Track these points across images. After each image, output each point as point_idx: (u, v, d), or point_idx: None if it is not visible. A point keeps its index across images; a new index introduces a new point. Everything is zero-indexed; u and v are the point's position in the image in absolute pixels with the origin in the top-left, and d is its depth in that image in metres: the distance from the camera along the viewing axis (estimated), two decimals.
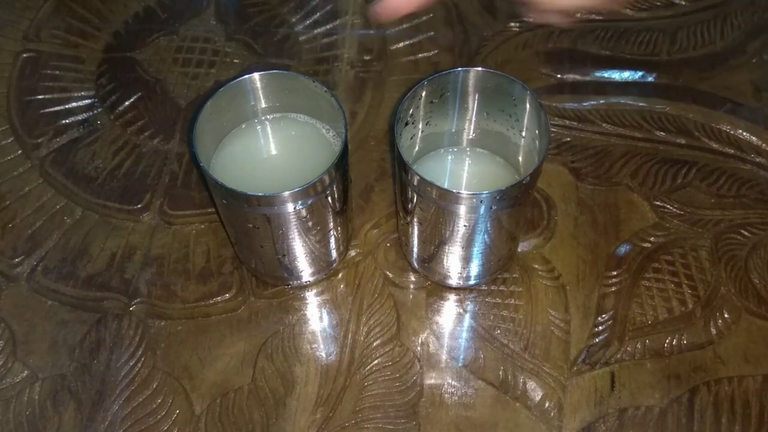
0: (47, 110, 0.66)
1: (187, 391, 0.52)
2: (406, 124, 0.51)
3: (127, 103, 0.67)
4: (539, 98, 0.49)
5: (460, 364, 0.53)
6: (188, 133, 0.64)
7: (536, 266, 0.57)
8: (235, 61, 0.69)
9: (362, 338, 0.54)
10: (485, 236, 0.49)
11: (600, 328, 0.54)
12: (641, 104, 0.65)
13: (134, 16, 0.73)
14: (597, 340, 0.53)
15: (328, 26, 0.71)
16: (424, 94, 0.51)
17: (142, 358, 0.53)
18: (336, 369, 0.53)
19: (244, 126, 0.54)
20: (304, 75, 0.51)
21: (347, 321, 0.55)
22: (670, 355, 0.53)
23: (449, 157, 0.55)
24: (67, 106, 0.67)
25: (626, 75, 0.67)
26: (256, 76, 0.51)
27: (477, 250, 0.51)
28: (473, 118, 0.54)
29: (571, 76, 0.67)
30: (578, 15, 0.71)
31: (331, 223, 0.51)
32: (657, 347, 0.53)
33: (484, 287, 0.56)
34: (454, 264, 0.53)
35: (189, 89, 0.67)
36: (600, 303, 0.55)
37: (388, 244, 0.58)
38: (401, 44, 0.70)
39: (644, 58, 0.68)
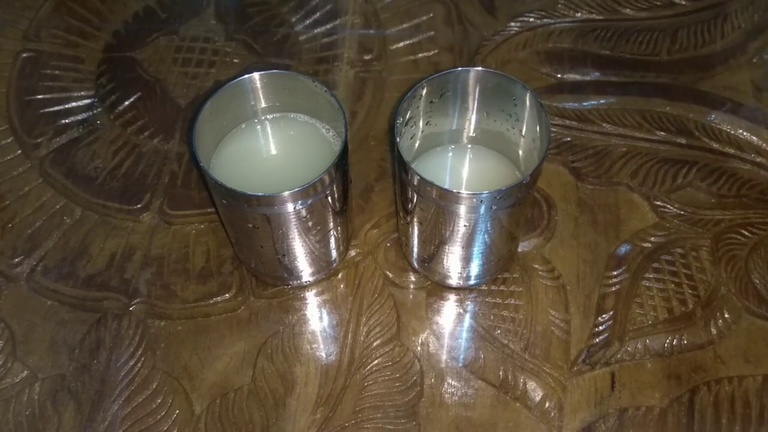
0: (47, 110, 0.66)
1: (187, 391, 0.52)
2: (406, 124, 0.51)
3: (126, 102, 0.67)
4: (539, 98, 0.49)
5: (460, 364, 0.53)
6: (188, 133, 0.64)
7: (536, 266, 0.57)
8: (235, 61, 0.69)
9: (362, 338, 0.54)
10: (485, 236, 0.49)
11: (600, 328, 0.54)
12: (641, 104, 0.65)
13: (134, 16, 0.73)
14: (597, 340, 0.53)
15: (328, 26, 0.71)
16: (424, 94, 0.51)
17: (142, 358, 0.53)
18: (336, 369, 0.53)
19: (244, 126, 0.54)
20: (304, 75, 0.51)
21: (347, 321, 0.55)
22: (671, 355, 0.53)
23: (449, 154, 0.55)
24: (66, 106, 0.67)
25: (626, 75, 0.67)
26: (256, 75, 0.51)
27: (477, 250, 0.51)
28: (473, 118, 0.54)
29: (571, 76, 0.67)
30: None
31: (331, 223, 0.51)
32: (657, 347, 0.53)
33: (484, 287, 0.56)
34: (454, 264, 0.53)
35: (189, 89, 0.67)
36: (600, 303, 0.55)
37: (388, 244, 0.58)
38: (401, 44, 0.70)
39: (644, 58, 0.68)
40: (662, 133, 0.63)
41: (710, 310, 0.54)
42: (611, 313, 0.54)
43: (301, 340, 0.54)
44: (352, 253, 0.58)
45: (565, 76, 0.67)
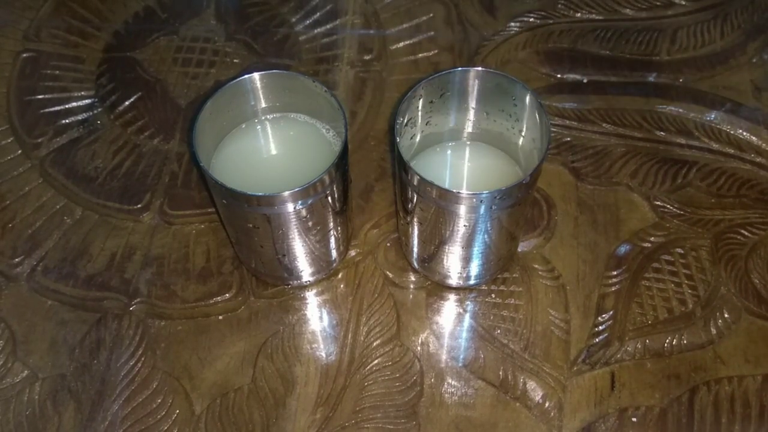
0: (47, 110, 0.66)
1: (187, 391, 0.52)
2: (406, 124, 0.51)
3: (127, 103, 0.67)
4: (539, 98, 0.49)
5: (460, 364, 0.53)
6: (188, 133, 0.64)
7: (536, 266, 0.57)
8: (235, 61, 0.69)
9: (362, 338, 0.54)
10: (485, 236, 0.49)
11: (600, 328, 0.54)
12: (641, 104, 0.65)
13: (134, 16, 0.73)
14: (597, 340, 0.53)
15: (328, 26, 0.71)
16: (424, 94, 0.51)
17: (142, 358, 0.53)
18: (336, 369, 0.53)
19: (244, 126, 0.54)
20: (304, 75, 0.51)
21: (347, 321, 0.55)
22: (670, 355, 0.53)
23: (449, 152, 0.55)
24: (67, 106, 0.67)
25: (626, 75, 0.67)
26: (256, 76, 0.51)
27: (477, 250, 0.51)
28: (473, 118, 0.54)
29: (571, 76, 0.67)
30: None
31: (331, 223, 0.51)
32: (657, 347, 0.53)
33: (484, 287, 0.56)
34: (454, 264, 0.53)
35: (189, 89, 0.68)
36: (600, 303, 0.55)
37: (388, 244, 0.58)
38: (401, 44, 0.70)
39: (644, 58, 0.68)
40: (662, 133, 0.64)
41: (710, 310, 0.54)
42: (611, 313, 0.55)
43: (301, 340, 0.54)
44: (352, 253, 0.58)
45: (565, 76, 0.67)
